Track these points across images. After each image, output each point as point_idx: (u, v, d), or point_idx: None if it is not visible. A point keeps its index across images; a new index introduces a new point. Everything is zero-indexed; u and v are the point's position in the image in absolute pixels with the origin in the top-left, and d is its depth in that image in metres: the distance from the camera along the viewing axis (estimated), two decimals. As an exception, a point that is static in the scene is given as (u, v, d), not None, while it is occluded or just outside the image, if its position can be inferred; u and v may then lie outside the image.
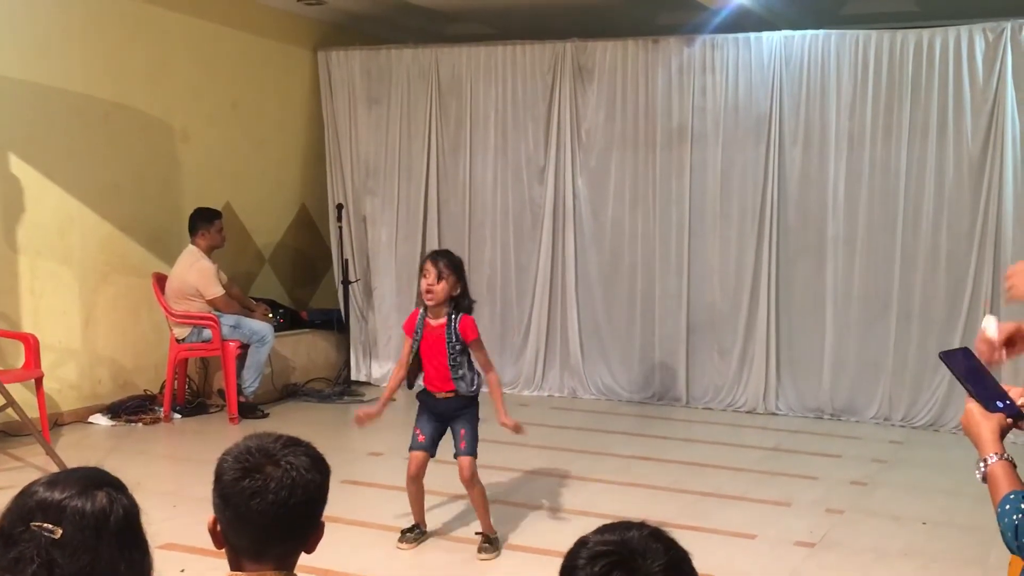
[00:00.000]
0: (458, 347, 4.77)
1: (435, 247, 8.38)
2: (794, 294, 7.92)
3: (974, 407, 2.00)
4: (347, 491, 5.59)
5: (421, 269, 4.86)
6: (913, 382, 7.58)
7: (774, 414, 7.94)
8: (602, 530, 1.58)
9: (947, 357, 2.10)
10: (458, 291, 4.78)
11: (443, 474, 5.42)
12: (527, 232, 8.63)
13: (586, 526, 1.62)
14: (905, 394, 7.61)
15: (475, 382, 4.86)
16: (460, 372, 4.79)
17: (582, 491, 5.85)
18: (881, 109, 7.53)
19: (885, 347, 7.64)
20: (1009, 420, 1.98)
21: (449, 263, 4.75)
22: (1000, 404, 2.00)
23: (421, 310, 4.87)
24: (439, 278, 4.72)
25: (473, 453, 4.82)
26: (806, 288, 7.88)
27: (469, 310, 4.84)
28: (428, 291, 4.73)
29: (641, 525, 1.57)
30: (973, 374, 2.06)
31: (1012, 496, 1.81)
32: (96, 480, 1.73)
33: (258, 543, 1.90)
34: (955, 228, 7.42)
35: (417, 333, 4.84)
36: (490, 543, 4.83)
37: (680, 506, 5.59)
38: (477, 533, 4.88)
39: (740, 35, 7.91)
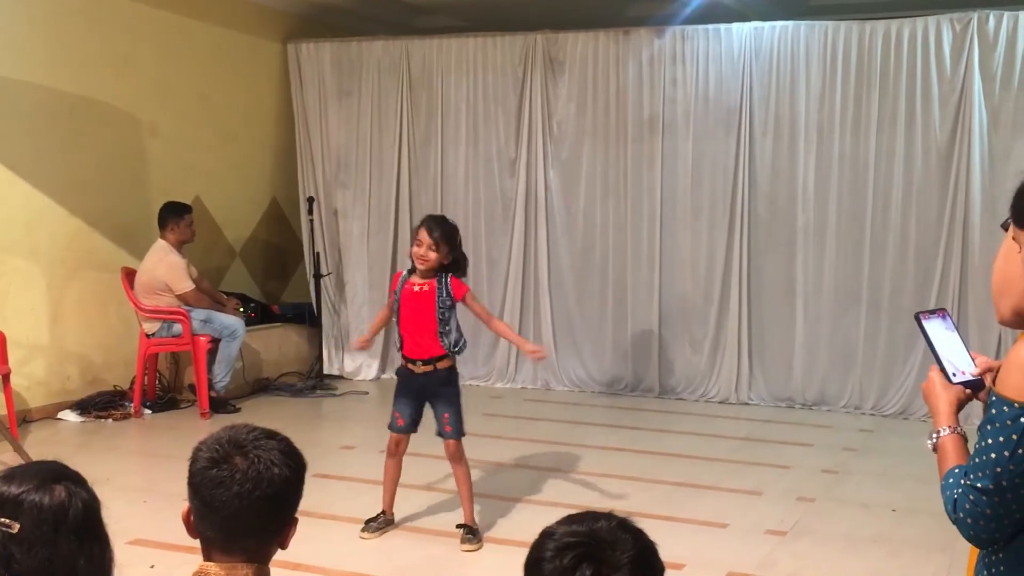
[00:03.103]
0: (448, 303, 4.76)
1: (407, 240, 8.36)
2: (765, 285, 7.95)
3: (936, 376, 2.02)
4: (319, 485, 5.56)
5: (415, 235, 4.84)
6: (883, 371, 7.63)
7: (746, 404, 7.97)
8: (568, 521, 1.56)
9: (923, 318, 2.07)
10: (450, 260, 4.77)
11: (422, 466, 5.42)
12: (499, 224, 8.62)
13: (557, 517, 1.60)
14: (875, 383, 7.66)
15: (459, 342, 4.85)
16: (447, 328, 4.78)
17: (555, 482, 5.85)
18: (850, 100, 7.57)
19: (855, 337, 7.69)
20: (968, 391, 2.00)
21: (443, 234, 4.74)
22: (962, 376, 2.00)
23: (405, 272, 4.88)
24: (432, 248, 4.71)
25: (459, 436, 4.83)
26: (777, 279, 7.91)
27: (463, 273, 4.85)
28: (421, 258, 4.72)
29: (609, 516, 1.55)
30: (944, 340, 2.05)
31: (956, 470, 1.85)
32: (54, 474, 1.71)
33: (225, 533, 1.89)
34: (923, 217, 7.48)
35: (396, 293, 4.83)
36: (472, 534, 4.82)
37: (653, 496, 5.61)
38: (459, 526, 4.86)
39: (710, 26, 7.93)
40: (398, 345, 4.95)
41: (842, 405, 7.75)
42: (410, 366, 4.84)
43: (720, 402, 8.03)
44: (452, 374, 4.88)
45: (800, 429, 7.27)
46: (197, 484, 1.89)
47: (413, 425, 4.90)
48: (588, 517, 1.56)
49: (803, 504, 5.52)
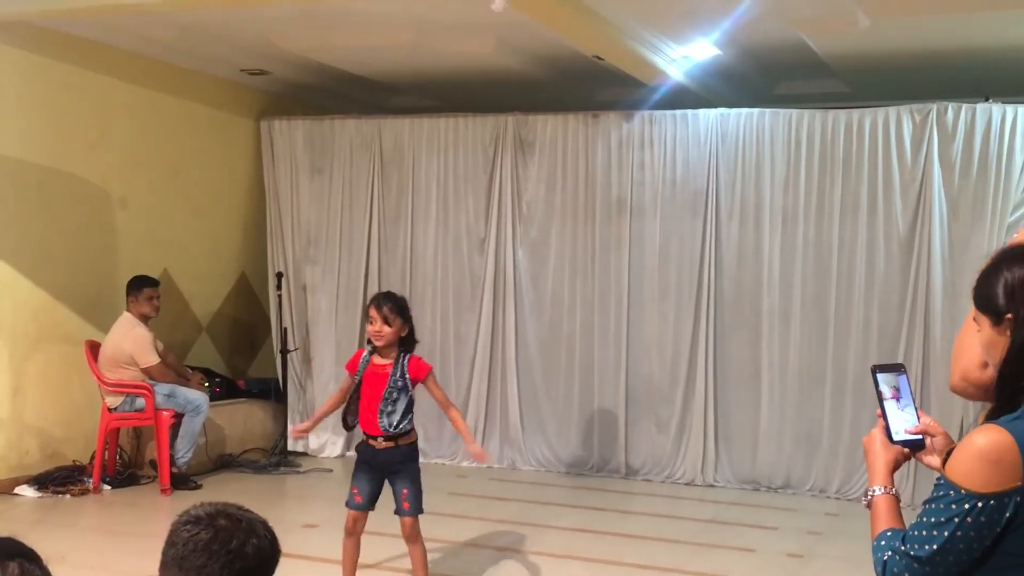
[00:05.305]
0: (400, 383, 4.74)
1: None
2: (731, 367, 8.00)
3: (878, 434, 2.08)
4: (280, 564, 5.46)
5: (367, 313, 4.86)
6: (847, 454, 7.65)
7: (712, 486, 7.96)
8: None
9: (879, 372, 2.10)
10: (406, 332, 4.80)
11: (378, 544, 5.36)
12: (467, 303, 8.65)
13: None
14: (840, 466, 7.68)
15: (398, 425, 4.74)
16: (390, 408, 4.74)
17: (517, 564, 5.79)
18: (814, 186, 7.72)
19: (820, 420, 7.73)
20: (906, 451, 2.07)
21: (393, 307, 4.77)
22: (904, 435, 2.05)
23: (366, 351, 4.87)
24: (384, 322, 4.73)
25: (416, 514, 4.78)
26: (742, 361, 7.96)
27: (412, 349, 4.85)
28: (376, 335, 4.73)
29: None
30: (896, 395, 2.08)
31: (889, 534, 1.92)
32: (8, 550, 1.69)
33: None
34: (886, 304, 7.58)
35: (359, 372, 4.82)
36: None
37: (617, 579, 5.56)
38: None
39: (678, 111, 8.09)
40: (352, 422, 4.91)
41: (807, 488, 7.76)
42: (371, 442, 4.81)
43: (686, 484, 8.01)
44: (414, 451, 4.86)
45: (765, 512, 7.26)
46: (181, 556, 1.82)
47: (371, 502, 4.85)
48: None
49: (768, 588, 5.50)
